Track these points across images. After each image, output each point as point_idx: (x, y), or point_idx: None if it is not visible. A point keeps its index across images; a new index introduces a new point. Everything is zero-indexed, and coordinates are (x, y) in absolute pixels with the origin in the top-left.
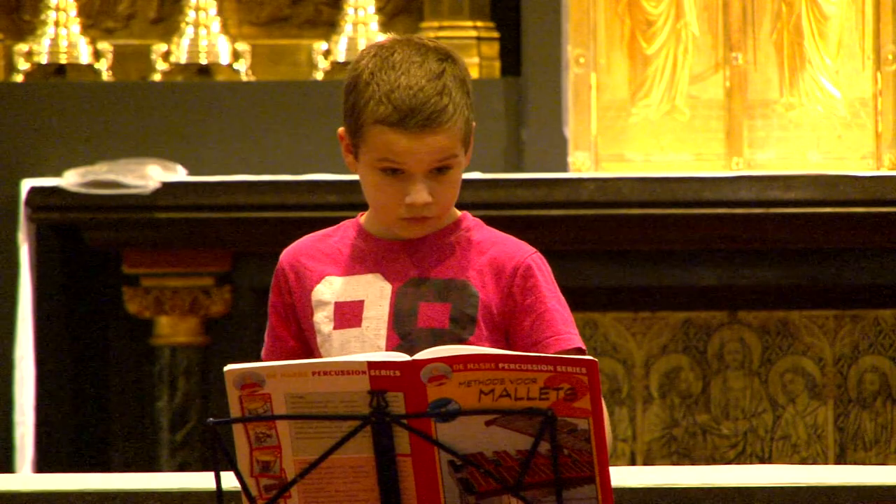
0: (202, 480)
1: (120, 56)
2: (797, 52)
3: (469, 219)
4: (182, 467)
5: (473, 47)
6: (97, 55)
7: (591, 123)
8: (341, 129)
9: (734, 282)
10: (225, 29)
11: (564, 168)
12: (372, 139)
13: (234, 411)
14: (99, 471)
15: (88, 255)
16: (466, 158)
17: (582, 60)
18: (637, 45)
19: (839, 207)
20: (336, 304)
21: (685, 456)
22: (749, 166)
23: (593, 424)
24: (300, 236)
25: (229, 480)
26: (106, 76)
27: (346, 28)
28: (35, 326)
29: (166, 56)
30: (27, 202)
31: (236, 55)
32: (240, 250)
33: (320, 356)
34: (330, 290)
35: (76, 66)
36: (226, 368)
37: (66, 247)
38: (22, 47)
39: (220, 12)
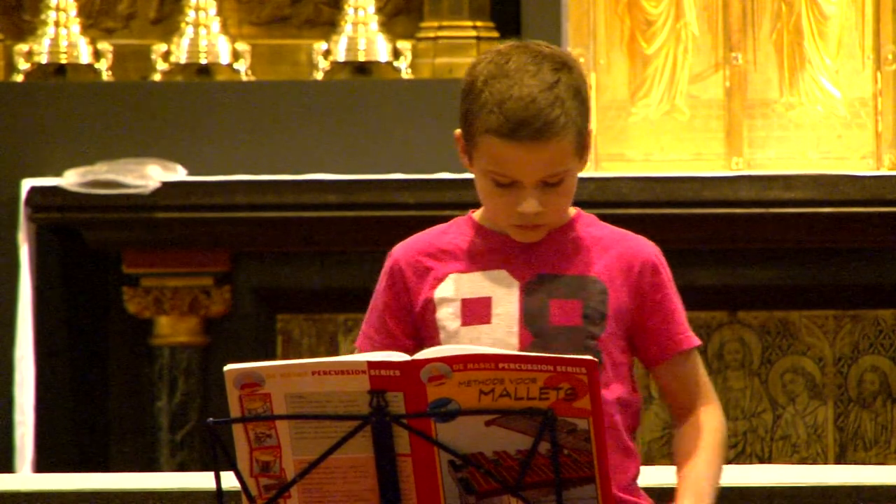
0: (202, 480)
1: (120, 56)
2: (797, 52)
3: (584, 215)
4: (182, 467)
5: (473, 47)
6: (97, 55)
7: (590, 123)
8: (458, 132)
9: (734, 282)
10: (225, 29)
11: None
12: (484, 148)
13: (234, 411)
14: (99, 471)
15: (88, 255)
16: (582, 163)
17: (582, 60)
18: (637, 45)
19: (839, 207)
20: (463, 300)
21: None
22: (749, 166)
23: (593, 424)
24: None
25: (229, 480)
26: (106, 76)
27: (346, 28)
28: (35, 326)
29: (166, 56)
30: (27, 202)
31: (236, 55)
32: (239, 250)
33: None
34: (455, 286)
35: (76, 66)
36: (226, 368)
37: (66, 247)
38: (22, 47)
39: (220, 12)
